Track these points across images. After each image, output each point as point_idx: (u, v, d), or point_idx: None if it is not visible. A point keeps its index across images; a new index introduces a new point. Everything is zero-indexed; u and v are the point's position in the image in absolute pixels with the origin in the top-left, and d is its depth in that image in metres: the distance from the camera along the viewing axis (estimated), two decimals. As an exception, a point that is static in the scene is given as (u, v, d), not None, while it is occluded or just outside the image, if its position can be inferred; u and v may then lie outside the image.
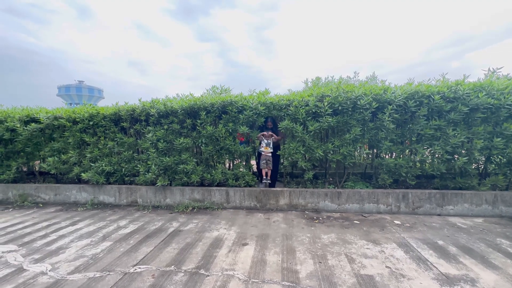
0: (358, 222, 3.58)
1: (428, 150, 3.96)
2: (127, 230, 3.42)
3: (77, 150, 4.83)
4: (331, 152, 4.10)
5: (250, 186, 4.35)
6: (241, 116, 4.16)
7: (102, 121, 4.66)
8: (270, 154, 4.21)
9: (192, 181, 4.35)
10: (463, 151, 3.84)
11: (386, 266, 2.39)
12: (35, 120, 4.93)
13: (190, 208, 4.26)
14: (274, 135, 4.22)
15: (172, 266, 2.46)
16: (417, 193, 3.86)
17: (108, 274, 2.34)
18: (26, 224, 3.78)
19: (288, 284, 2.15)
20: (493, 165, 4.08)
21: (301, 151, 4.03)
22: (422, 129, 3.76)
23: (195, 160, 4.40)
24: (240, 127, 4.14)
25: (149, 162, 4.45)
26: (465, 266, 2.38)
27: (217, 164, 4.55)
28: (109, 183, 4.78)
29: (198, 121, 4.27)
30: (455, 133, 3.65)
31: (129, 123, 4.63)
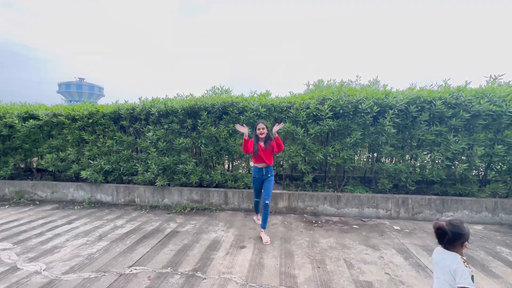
0: (357, 226, 3.55)
1: (429, 155, 3.94)
2: (124, 230, 3.38)
3: (75, 147, 4.80)
4: (331, 156, 4.08)
5: (249, 188, 4.32)
6: (241, 117, 4.13)
7: (102, 119, 4.64)
8: None
9: (191, 182, 4.32)
10: (463, 158, 3.82)
11: (385, 273, 2.36)
12: (34, 117, 4.90)
13: (188, 209, 4.23)
14: None
15: (169, 268, 2.42)
16: (417, 199, 3.84)
17: (103, 275, 2.31)
18: (22, 221, 3.74)
19: (286, 289, 2.12)
20: (494, 172, 4.07)
21: (301, 154, 4.00)
22: (423, 135, 3.75)
23: (194, 160, 4.37)
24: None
25: (148, 162, 4.42)
26: (465, 274, 2.35)
27: (216, 165, 4.53)
28: (107, 182, 4.75)
29: (199, 121, 4.24)
30: (456, 139, 3.64)
31: (128, 121, 4.61)
